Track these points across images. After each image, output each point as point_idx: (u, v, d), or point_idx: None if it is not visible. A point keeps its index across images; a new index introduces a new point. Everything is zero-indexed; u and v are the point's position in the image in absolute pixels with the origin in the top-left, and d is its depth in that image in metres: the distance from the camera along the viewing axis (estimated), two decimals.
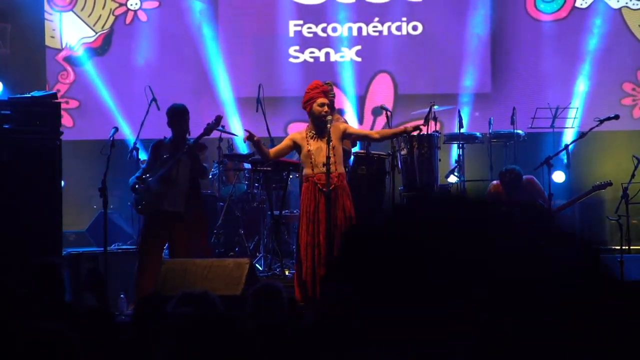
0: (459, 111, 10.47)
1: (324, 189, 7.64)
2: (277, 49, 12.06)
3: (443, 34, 11.96)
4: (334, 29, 12.01)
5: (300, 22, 12.05)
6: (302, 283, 7.71)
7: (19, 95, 8.69)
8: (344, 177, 7.86)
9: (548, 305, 1.73)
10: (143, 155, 10.14)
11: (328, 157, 7.57)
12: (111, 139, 8.36)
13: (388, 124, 9.57)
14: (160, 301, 4.60)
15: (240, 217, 10.33)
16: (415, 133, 8.82)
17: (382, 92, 11.98)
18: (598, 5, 11.72)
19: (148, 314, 4.61)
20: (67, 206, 8.95)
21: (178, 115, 8.44)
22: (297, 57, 12.05)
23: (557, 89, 11.68)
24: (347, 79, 11.95)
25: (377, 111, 11.88)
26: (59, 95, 10.63)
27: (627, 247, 8.35)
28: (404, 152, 9.41)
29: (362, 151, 9.25)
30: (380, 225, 1.73)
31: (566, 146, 9.48)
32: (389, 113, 9.65)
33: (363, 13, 12.00)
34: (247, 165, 10.07)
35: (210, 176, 10.80)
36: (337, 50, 12.01)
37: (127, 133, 11.45)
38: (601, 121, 8.72)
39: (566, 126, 11.04)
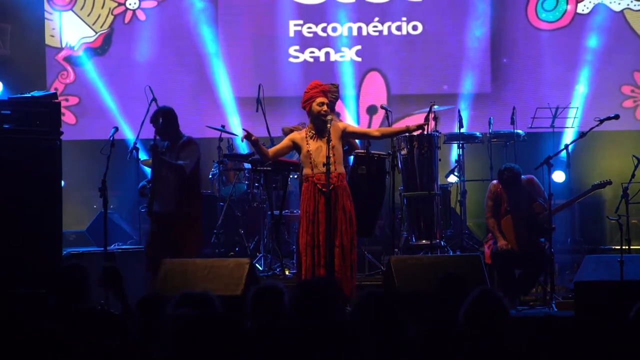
0: (459, 111, 10.47)
1: (323, 189, 7.63)
2: (277, 49, 12.06)
3: (443, 33, 11.96)
4: (334, 29, 12.01)
5: (300, 22, 12.05)
6: None
7: (19, 95, 8.68)
8: (344, 177, 7.85)
9: None
10: (143, 155, 10.15)
11: (328, 157, 7.57)
12: (111, 138, 8.35)
13: (388, 124, 9.57)
14: (160, 301, 4.60)
15: (240, 217, 10.33)
16: (417, 132, 8.83)
17: (374, 91, 11.98)
18: (599, 9, 11.72)
19: (148, 314, 4.61)
20: (67, 206, 8.95)
21: (164, 117, 8.46)
22: (297, 57, 12.04)
23: (557, 88, 11.68)
24: (348, 79, 11.94)
25: (373, 110, 11.90)
26: (59, 95, 10.64)
27: (627, 247, 8.34)
28: (404, 151, 9.42)
29: (362, 151, 9.24)
30: None
31: (566, 146, 9.47)
32: (389, 113, 9.65)
33: (363, 13, 12.00)
34: (247, 165, 10.07)
35: (211, 176, 10.80)
36: (337, 50, 12.01)
37: (127, 133, 11.45)
38: (601, 121, 8.71)
39: (566, 126, 11.04)
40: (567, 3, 11.81)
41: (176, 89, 11.96)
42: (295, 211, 9.57)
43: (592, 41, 11.66)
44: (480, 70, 11.85)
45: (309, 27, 12.04)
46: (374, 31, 12.00)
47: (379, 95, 11.94)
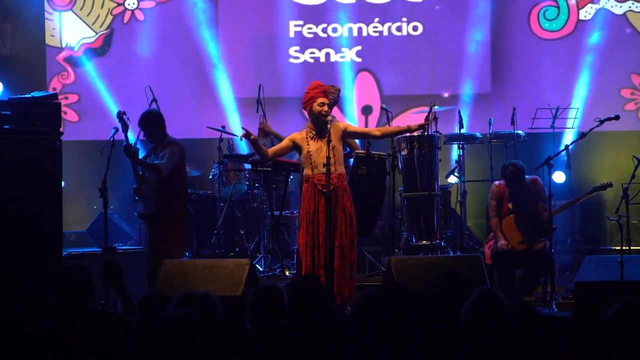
0: (459, 111, 10.47)
1: (324, 190, 7.63)
2: (277, 49, 12.06)
3: (443, 34, 11.96)
4: (334, 30, 12.01)
5: (301, 22, 12.05)
6: None
7: (19, 96, 8.68)
8: (344, 177, 7.85)
9: None
10: (141, 155, 10.14)
11: (328, 158, 7.56)
12: (111, 139, 8.35)
13: (389, 125, 9.57)
14: (160, 301, 4.60)
15: (240, 218, 10.33)
16: (417, 133, 8.83)
17: (365, 91, 11.98)
18: (601, 14, 11.72)
19: (148, 315, 4.61)
20: (67, 206, 8.94)
21: (148, 121, 8.54)
22: (297, 58, 12.05)
23: (557, 89, 11.68)
24: (348, 79, 11.95)
25: (367, 110, 11.90)
26: (59, 94, 10.65)
27: (627, 248, 8.33)
28: (404, 152, 9.42)
29: (363, 151, 9.24)
30: None
31: (566, 146, 9.48)
32: (389, 113, 9.65)
33: (363, 13, 12.00)
34: (248, 166, 10.06)
35: (211, 177, 10.81)
36: (337, 51, 12.01)
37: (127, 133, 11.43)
38: (601, 121, 8.71)
39: (566, 126, 11.04)
40: (569, 11, 11.82)
41: (176, 89, 11.97)
42: (295, 212, 9.57)
43: (594, 44, 11.66)
44: (481, 71, 11.85)
45: (309, 28, 12.05)
46: (374, 32, 12.00)
47: (382, 95, 11.94)
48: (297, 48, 12.05)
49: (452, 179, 10.35)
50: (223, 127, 10.64)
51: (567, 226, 10.66)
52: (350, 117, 11.76)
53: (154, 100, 10.13)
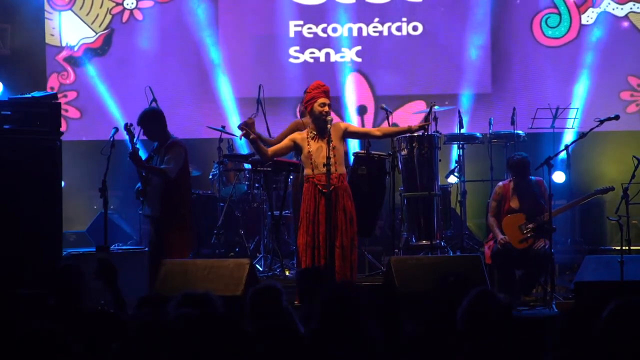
0: (459, 111, 10.47)
1: (324, 190, 7.63)
2: (277, 50, 12.06)
3: (443, 34, 11.96)
4: (334, 30, 12.01)
5: (301, 22, 12.05)
6: None
7: (19, 96, 8.68)
8: (345, 177, 7.85)
9: None
10: (143, 156, 10.14)
11: (328, 158, 7.57)
12: (111, 139, 8.34)
13: (389, 125, 9.57)
14: (160, 302, 4.60)
15: (240, 218, 10.33)
16: (418, 133, 8.83)
17: (358, 92, 11.98)
18: (603, 17, 11.72)
19: (148, 315, 4.60)
20: (67, 206, 8.94)
21: (149, 119, 8.49)
22: (297, 58, 12.05)
23: (558, 89, 11.68)
24: (342, 80, 11.95)
25: (362, 110, 11.90)
26: (59, 94, 10.65)
27: (627, 248, 8.33)
28: (404, 152, 9.42)
29: (363, 151, 9.24)
30: None
31: (566, 146, 9.48)
32: (389, 113, 9.65)
33: (363, 13, 12.00)
34: (248, 166, 10.07)
35: (211, 177, 10.81)
36: (337, 51, 12.01)
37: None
38: (601, 121, 8.71)
39: (566, 127, 11.04)
40: (571, 17, 11.82)
41: (176, 89, 11.97)
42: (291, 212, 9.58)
43: (596, 47, 11.66)
44: (481, 71, 11.85)
45: (309, 28, 12.05)
46: (374, 32, 12.00)
47: (375, 95, 11.95)
48: (297, 48, 12.05)
49: (452, 179, 10.35)
50: (223, 127, 10.65)
51: (567, 226, 10.66)
52: (344, 118, 11.75)
53: (154, 100, 10.13)
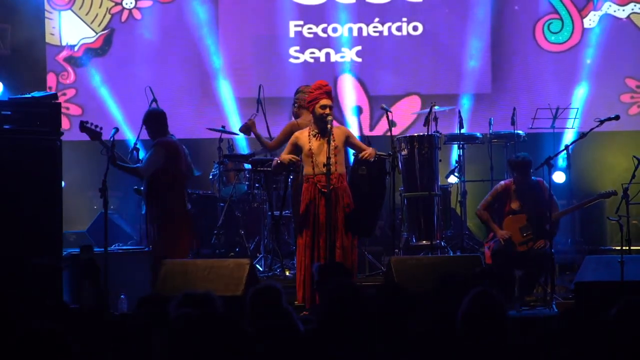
0: (459, 111, 10.47)
1: (324, 190, 7.63)
2: (277, 49, 12.06)
3: (444, 34, 11.96)
4: (335, 30, 12.01)
5: (301, 22, 12.05)
6: (301, 285, 7.70)
7: (19, 96, 8.68)
8: (344, 177, 7.85)
9: None
10: (143, 156, 10.15)
11: (328, 158, 7.57)
12: (111, 139, 8.35)
13: (389, 125, 9.53)
14: (160, 302, 4.60)
15: (240, 218, 10.33)
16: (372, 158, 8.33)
17: (351, 93, 11.98)
18: (605, 20, 11.72)
19: (147, 314, 4.61)
20: (68, 206, 8.94)
21: (147, 120, 8.59)
22: (297, 58, 12.05)
23: (558, 89, 11.68)
24: (348, 79, 11.96)
25: (356, 110, 11.89)
26: (58, 93, 10.66)
27: (627, 248, 8.33)
28: (404, 152, 9.42)
29: None
30: None
31: (566, 146, 9.47)
32: (390, 113, 9.64)
33: (363, 13, 12.00)
34: (248, 166, 10.06)
35: (211, 176, 10.81)
36: (337, 51, 12.01)
37: (128, 134, 11.44)
38: (601, 122, 8.71)
39: (566, 127, 11.04)
40: (573, 21, 11.81)
41: (176, 89, 11.97)
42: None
43: (599, 49, 11.67)
44: (481, 71, 11.85)
45: (310, 28, 12.05)
46: (375, 32, 12.00)
47: (368, 95, 11.96)
48: (297, 48, 12.05)
49: (452, 179, 10.35)
50: (223, 127, 10.65)
51: (567, 226, 10.65)
52: (342, 121, 11.75)
53: (154, 100, 10.13)
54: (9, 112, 8.19)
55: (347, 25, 11.99)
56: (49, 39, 12.13)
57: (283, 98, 11.63)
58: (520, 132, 10.56)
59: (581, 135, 9.14)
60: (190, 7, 12.04)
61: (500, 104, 11.75)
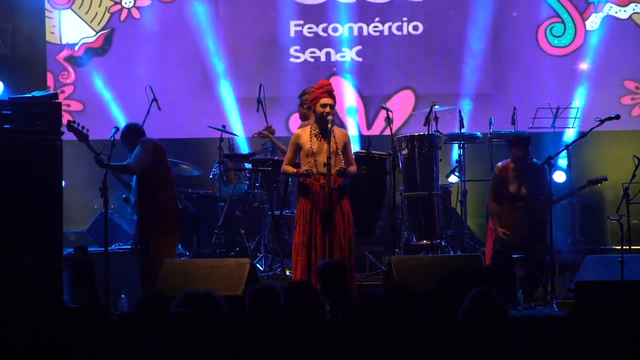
0: (460, 111, 10.46)
1: (324, 189, 7.63)
2: (277, 49, 12.05)
3: (444, 33, 11.95)
4: (335, 29, 12.00)
5: (301, 22, 12.04)
6: None
7: (19, 96, 8.68)
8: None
9: None
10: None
11: (328, 158, 7.57)
12: (112, 139, 8.36)
13: (389, 125, 9.54)
14: (160, 302, 4.60)
15: (240, 217, 10.33)
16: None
17: (351, 93, 11.99)
18: (607, 21, 11.71)
19: (148, 314, 4.61)
20: (68, 206, 8.94)
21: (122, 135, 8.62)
22: (297, 57, 12.04)
23: (558, 89, 11.68)
24: (348, 80, 11.95)
25: (354, 110, 11.90)
26: (59, 92, 10.65)
27: (627, 247, 8.33)
28: (404, 152, 9.41)
29: (363, 151, 9.24)
30: None
31: (567, 146, 9.46)
32: (390, 113, 9.64)
33: (364, 13, 12.00)
34: (248, 165, 10.07)
35: (211, 176, 10.80)
36: (337, 50, 12.01)
37: None
38: (602, 121, 8.70)
39: (567, 126, 11.04)
40: (575, 24, 11.80)
41: (177, 89, 11.96)
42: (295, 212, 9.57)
43: (601, 50, 11.66)
44: (482, 70, 11.84)
45: (310, 27, 12.04)
46: (375, 31, 12.00)
47: (362, 96, 11.96)
48: (298, 47, 12.04)
49: (453, 179, 10.35)
50: (223, 126, 10.65)
51: (567, 226, 10.65)
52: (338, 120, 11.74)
53: (154, 99, 10.13)
54: (9, 112, 8.19)
55: (348, 24, 11.98)
56: (49, 37, 12.14)
57: (283, 97, 11.64)
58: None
59: (581, 135, 9.14)
60: (190, 6, 12.03)
61: (501, 104, 11.74)
